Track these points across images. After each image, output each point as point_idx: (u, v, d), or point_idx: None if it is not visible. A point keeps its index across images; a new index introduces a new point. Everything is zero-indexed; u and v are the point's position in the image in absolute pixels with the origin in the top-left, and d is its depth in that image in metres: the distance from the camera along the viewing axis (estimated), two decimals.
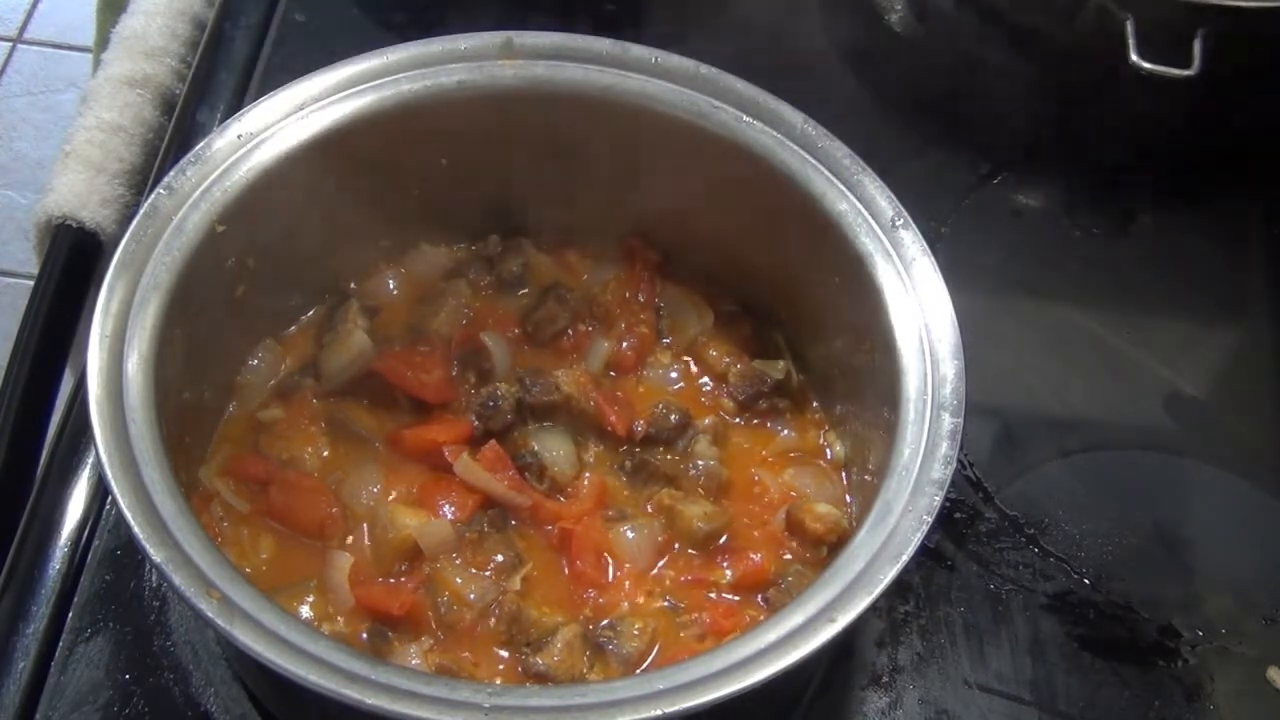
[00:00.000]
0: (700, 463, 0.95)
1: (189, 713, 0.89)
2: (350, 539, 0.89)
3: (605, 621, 0.87)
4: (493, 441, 0.93)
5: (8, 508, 0.92)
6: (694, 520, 0.91)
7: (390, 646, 0.84)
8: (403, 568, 0.88)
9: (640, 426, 0.96)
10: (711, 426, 0.97)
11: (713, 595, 0.90)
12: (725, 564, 0.91)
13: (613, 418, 0.95)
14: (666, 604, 0.89)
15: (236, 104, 1.17)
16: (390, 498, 0.91)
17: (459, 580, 0.87)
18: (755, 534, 0.93)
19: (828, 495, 0.94)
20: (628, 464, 0.95)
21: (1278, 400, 1.14)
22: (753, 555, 0.91)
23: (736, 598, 0.90)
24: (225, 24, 1.22)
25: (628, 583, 0.90)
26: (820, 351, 0.98)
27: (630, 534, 0.91)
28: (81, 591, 0.91)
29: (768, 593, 0.89)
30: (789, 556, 0.92)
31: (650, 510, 0.93)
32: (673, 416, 0.96)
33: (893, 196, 0.89)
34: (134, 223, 0.84)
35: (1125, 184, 1.26)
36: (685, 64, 0.94)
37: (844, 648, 0.95)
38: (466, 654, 0.85)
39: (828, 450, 0.97)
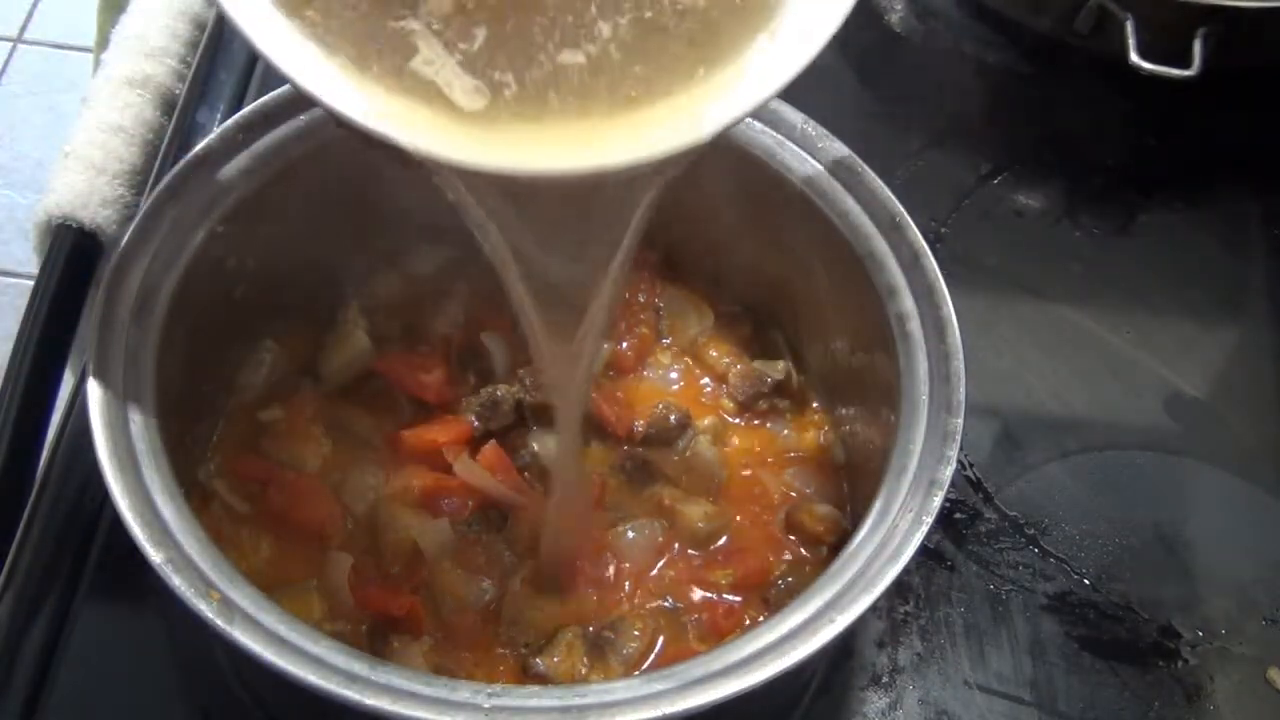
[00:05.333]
0: (700, 463, 0.95)
1: (189, 712, 0.89)
2: (350, 539, 0.89)
3: (605, 622, 0.87)
4: (492, 441, 0.93)
5: (8, 508, 0.92)
6: (694, 520, 0.91)
7: (390, 647, 0.84)
8: (397, 569, 0.88)
9: (640, 427, 0.96)
10: (711, 427, 0.97)
11: (713, 595, 0.90)
12: (725, 564, 0.91)
13: (612, 418, 0.95)
14: (666, 604, 0.89)
15: (236, 104, 1.16)
16: (390, 498, 0.91)
17: (458, 580, 0.87)
18: (755, 534, 0.93)
19: (828, 495, 0.94)
20: (628, 464, 0.95)
21: (1278, 400, 1.14)
22: (753, 555, 0.91)
23: (737, 598, 0.90)
24: (225, 24, 1.22)
25: (628, 583, 0.90)
26: (820, 351, 0.98)
27: (630, 534, 0.91)
28: (81, 592, 0.91)
29: (768, 593, 0.89)
30: (789, 556, 0.92)
31: (650, 510, 0.93)
32: (672, 417, 0.96)
33: (892, 196, 0.89)
34: (134, 223, 0.84)
35: (1125, 184, 1.26)
36: None
37: (844, 648, 0.95)
38: (466, 654, 0.85)
39: (828, 450, 0.97)
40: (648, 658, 0.86)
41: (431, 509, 0.91)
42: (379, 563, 0.89)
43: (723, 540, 0.92)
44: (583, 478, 0.91)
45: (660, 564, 0.91)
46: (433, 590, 0.87)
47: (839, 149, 0.91)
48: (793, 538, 0.92)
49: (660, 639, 0.87)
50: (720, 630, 0.87)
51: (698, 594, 0.90)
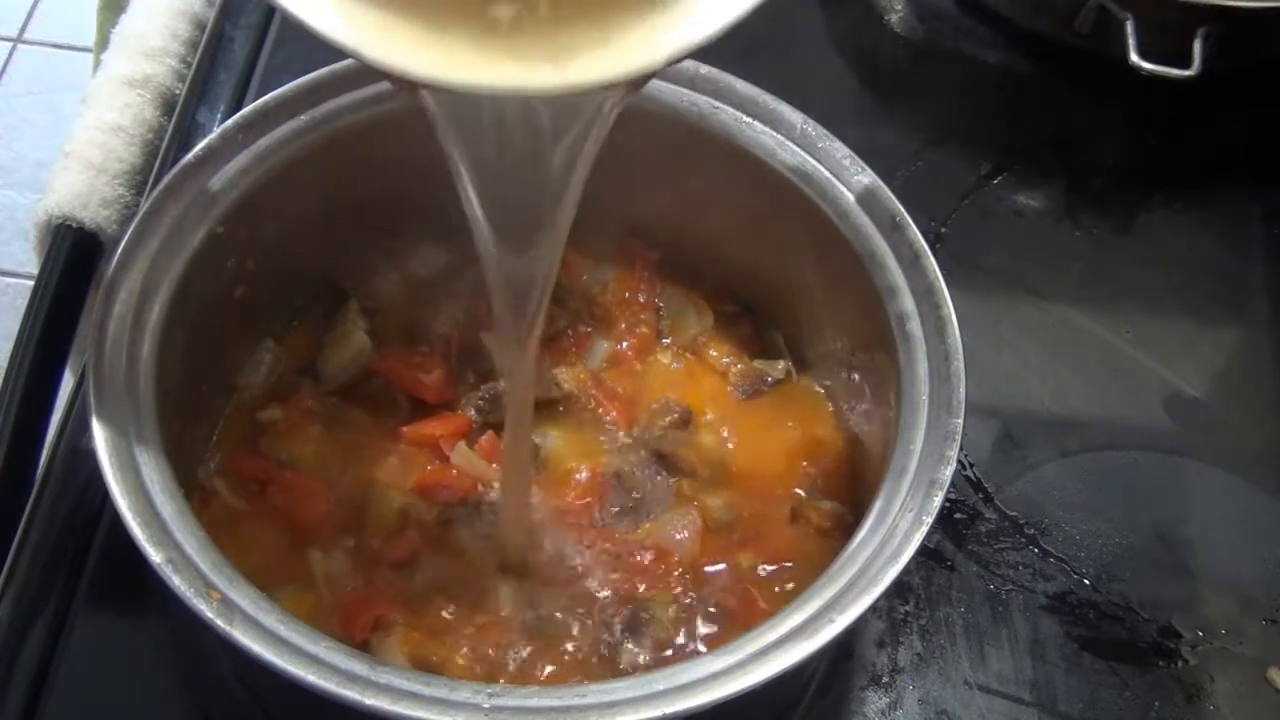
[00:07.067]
0: (705, 457, 0.95)
1: (189, 713, 0.89)
2: (347, 535, 0.89)
3: (635, 609, 0.87)
4: (490, 432, 0.93)
5: (8, 508, 0.92)
6: (714, 511, 0.92)
7: (379, 642, 0.84)
8: (379, 543, 0.88)
9: (643, 421, 0.96)
10: (712, 424, 0.97)
11: (736, 584, 0.90)
12: (743, 548, 0.91)
13: (614, 413, 0.96)
14: (692, 594, 0.89)
15: (236, 104, 1.16)
16: (385, 486, 0.91)
17: (450, 572, 0.87)
18: (764, 528, 0.93)
19: (829, 494, 0.94)
20: (642, 453, 0.95)
21: (1278, 400, 1.14)
22: (767, 543, 0.91)
23: (767, 571, 0.90)
24: (225, 24, 1.22)
25: (660, 570, 0.90)
26: (820, 351, 0.98)
27: (678, 535, 0.91)
28: (81, 592, 0.91)
29: (782, 582, 0.90)
30: (797, 548, 0.92)
31: (676, 501, 0.93)
32: (675, 412, 0.96)
33: (893, 196, 0.89)
34: (134, 223, 0.84)
35: (1125, 184, 1.26)
36: (685, 64, 0.94)
37: (844, 648, 0.95)
38: (452, 646, 0.85)
39: (828, 450, 0.97)
40: (668, 647, 0.86)
41: (428, 500, 0.91)
42: (373, 553, 0.88)
43: (738, 533, 0.92)
44: (527, 457, 0.90)
45: (691, 550, 0.91)
46: (421, 580, 0.87)
47: (839, 149, 0.91)
48: (796, 535, 0.92)
49: (685, 628, 0.87)
50: (750, 617, 0.87)
51: (723, 583, 0.90)
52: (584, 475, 0.93)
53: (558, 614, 0.87)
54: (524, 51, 0.60)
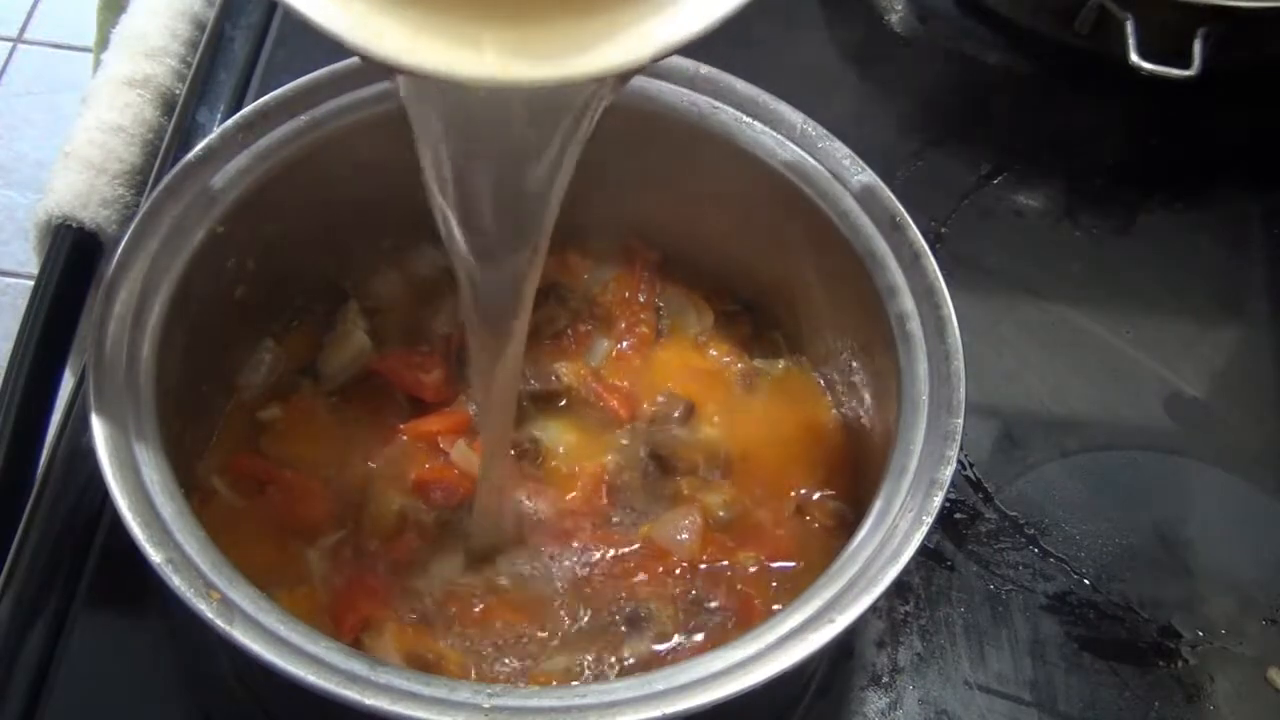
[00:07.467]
0: (707, 452, 0.95)
1: (189, 713, 0.89)
2: (345, 535, 0.90)
3: (635, 608, 0.87)
4: None
5: (8, 508, 0.92)
6: (715, 509, 0.92)
7: (373, 640, 0.84)
8: (375, 545, 0.88)
9: (646, 413, 0.96)
10: (712, 419, 0.97)
11: (739, 585, 0.90)
12: (745, 546, 0.91)
13: (615, 403, 0.96)
14: (693, 593, 0.89)
15: (236, 104, 1.17)
16: (384, 482, 0.91)
17: (450, 568, 0.87)
18: (767, 523, 0.93)
19: (831, 492, 0.94)
20: (643, 450, 0.95)
21: (1278, 400, 1.14)
22: (769, 539, 0.91)
23: (768, 566, 0.90)
24: (225, 24, 1.22)
25: (660, 570, 0.90)
26: (820, 351, 0.98)
27: (681, 536, 0.91)
28: (81, 592, 0.91)
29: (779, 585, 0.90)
30: (800, 545, 0.92)
31: (673, 502, 0.93)
32: (679, 407, 0.96)
33: (893, 196, 0.89)
34: (134, 223, 0.84)
35: (1125, 184, 1.26)
36: (685, 64, 0.94)
37: (844, 648, 0.95)
38: (445, 643, 0.85)
39: (828, 448, 0.97)
40: (667, 641, 0.86)
41: (425, 498, 0.91)
42: (371, 549, 0.88)
43: (739, 532, 0.92)
44: (504, 459, 0.90)
45: (691, 550, 0.90)
46: (418, 580, 0.87)
47: (839, 149, 0.91)
48: (798, 533, 0.92)
49: (684, 630, 0.87)
50: (750, 614, 0.87)
51: (726, 581, 0.90)
52: (585, 475, 0.93)
53: (557, 612, 0.87)
54: (520, 46, 0.60)
